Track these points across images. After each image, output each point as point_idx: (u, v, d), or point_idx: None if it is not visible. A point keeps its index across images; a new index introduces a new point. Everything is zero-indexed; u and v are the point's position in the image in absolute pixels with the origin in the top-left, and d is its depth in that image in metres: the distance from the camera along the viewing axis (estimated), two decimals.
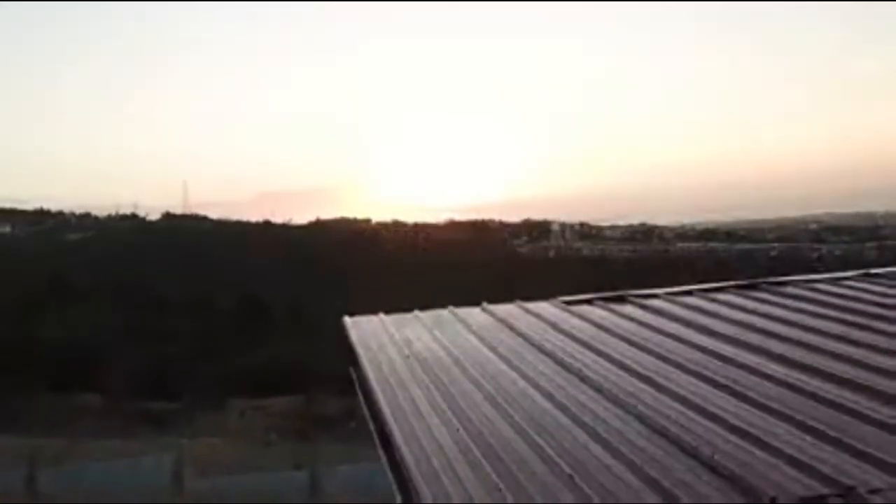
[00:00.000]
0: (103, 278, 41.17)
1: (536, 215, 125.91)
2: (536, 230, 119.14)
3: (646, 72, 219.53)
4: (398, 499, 5.08)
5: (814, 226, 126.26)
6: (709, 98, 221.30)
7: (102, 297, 26.59)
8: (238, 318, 23.44)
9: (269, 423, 7.04)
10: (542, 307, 7.65)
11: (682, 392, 5.82)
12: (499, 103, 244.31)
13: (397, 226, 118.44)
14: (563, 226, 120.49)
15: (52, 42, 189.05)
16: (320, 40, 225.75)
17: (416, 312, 6.39)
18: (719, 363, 6.29)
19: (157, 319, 20.55)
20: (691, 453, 4.89)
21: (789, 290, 8.35)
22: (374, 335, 6.86)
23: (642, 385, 5.97)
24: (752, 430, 5.15)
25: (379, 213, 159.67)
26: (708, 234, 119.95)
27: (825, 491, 4.35)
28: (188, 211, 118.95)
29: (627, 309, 7.66)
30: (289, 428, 6.96)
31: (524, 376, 6.02)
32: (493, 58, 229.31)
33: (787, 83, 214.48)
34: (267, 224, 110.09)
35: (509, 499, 4.43)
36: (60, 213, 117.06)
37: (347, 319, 6.34)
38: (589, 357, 6.35)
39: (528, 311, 7.63)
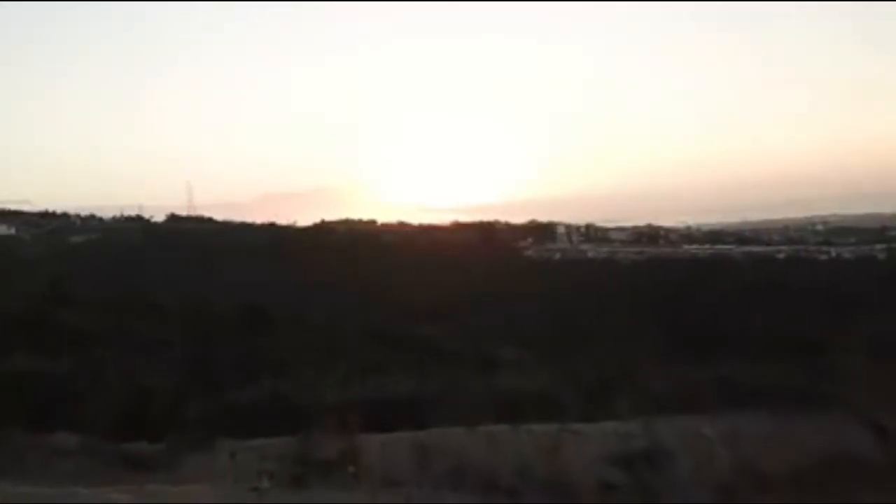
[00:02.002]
0: (102, 286, 40.67)
1: (541, 216, 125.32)
2: (541, 232, 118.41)
3: (647, 72, 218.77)
4: None
5: (820, 227, 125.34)
6: (711, 98, 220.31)
7: (98, 307, 26.04)
8: (238, 333, 22.85)
9: (263, 467, 6.54)
10: None
11: None
12: (502, 104, 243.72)
13: (402, 227, 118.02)
14: (569, 228, 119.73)
15: (55, 43, 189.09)
16: (324, 41, 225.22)
17: None
18: None
19: (151, 338, 19.97)
20: None
21: None
22: None
23: None
24: None
25: (384, 214, 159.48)
26: (714, 235, 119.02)
27: None
28: (192, 213, 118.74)
29: None
30: (284, 472, 6.46)
31: None
32: (495, 58, 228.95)
33: (791, 84, 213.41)
34: (271, 226, 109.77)
35: None
36: (65, 215, 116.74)
37: None
38: None
39: None
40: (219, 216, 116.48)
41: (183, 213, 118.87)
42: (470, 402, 7.73)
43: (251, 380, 8.02)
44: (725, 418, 7.61)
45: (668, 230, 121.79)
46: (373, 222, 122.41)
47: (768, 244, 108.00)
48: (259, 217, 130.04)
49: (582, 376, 9.12)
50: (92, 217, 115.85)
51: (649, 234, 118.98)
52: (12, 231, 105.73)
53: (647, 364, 9.40)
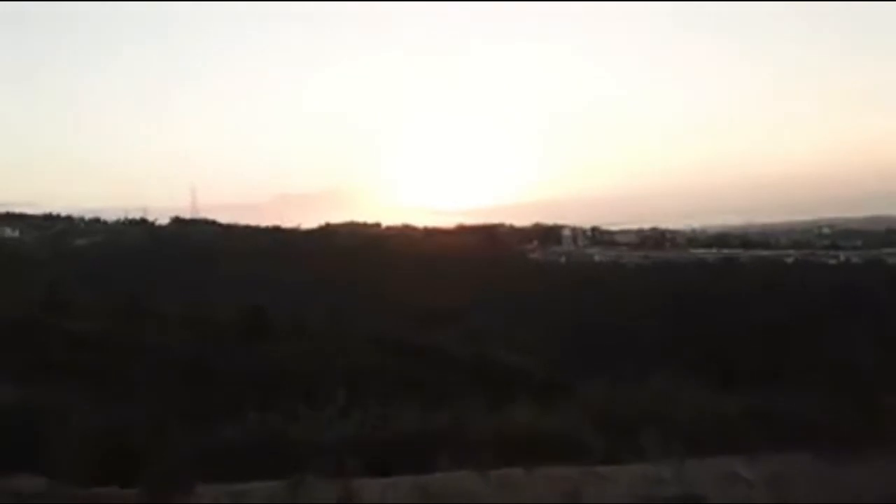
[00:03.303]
0: (103, 289, 39.96)
1: (546, 219, 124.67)
2: (547, 235, 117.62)
3: (650, 73, 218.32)
4: None
5: (826, 230, 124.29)
6: (715, 100, 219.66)
7: (90, 315, 25.28)
8: (235, 343, 22.07)
9: None
10: None
11: None
12: (508, 107, 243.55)
13: (407, 230, 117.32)
14: (575, 230, 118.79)
15: (60, 45, 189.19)
16: (333, 45, 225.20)
17: None
18: None
19: (142, 349, 19.20)
20: None
21: None
22: None
23: None
24: None
25: (391, 216, 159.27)
26: (719, 238, 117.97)
27: None
28: (197, 215, 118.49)
29: None
30: None
31: None
32: (500, 60, 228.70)
33: (796, 86, 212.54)
34: (276, 229, 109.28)
35: None
36: (69, 218, 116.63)
37: None
38: None
39: None
40: (230, 218, 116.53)
41: (188, 215, 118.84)
42: (479, 441, 6.92)
43: (240, 410, 7.29)
44: (766, 458, 6.81)
45: (674, 233, 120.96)
46: (377, 225, 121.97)
47: (775, 248, 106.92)
48: (271, 218, 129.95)
49: (604, 409, 8.28)
50: (96, 220, 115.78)
51: (655, 238, 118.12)
52: (16, 234, 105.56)
53: (675, 394, 8.58)
